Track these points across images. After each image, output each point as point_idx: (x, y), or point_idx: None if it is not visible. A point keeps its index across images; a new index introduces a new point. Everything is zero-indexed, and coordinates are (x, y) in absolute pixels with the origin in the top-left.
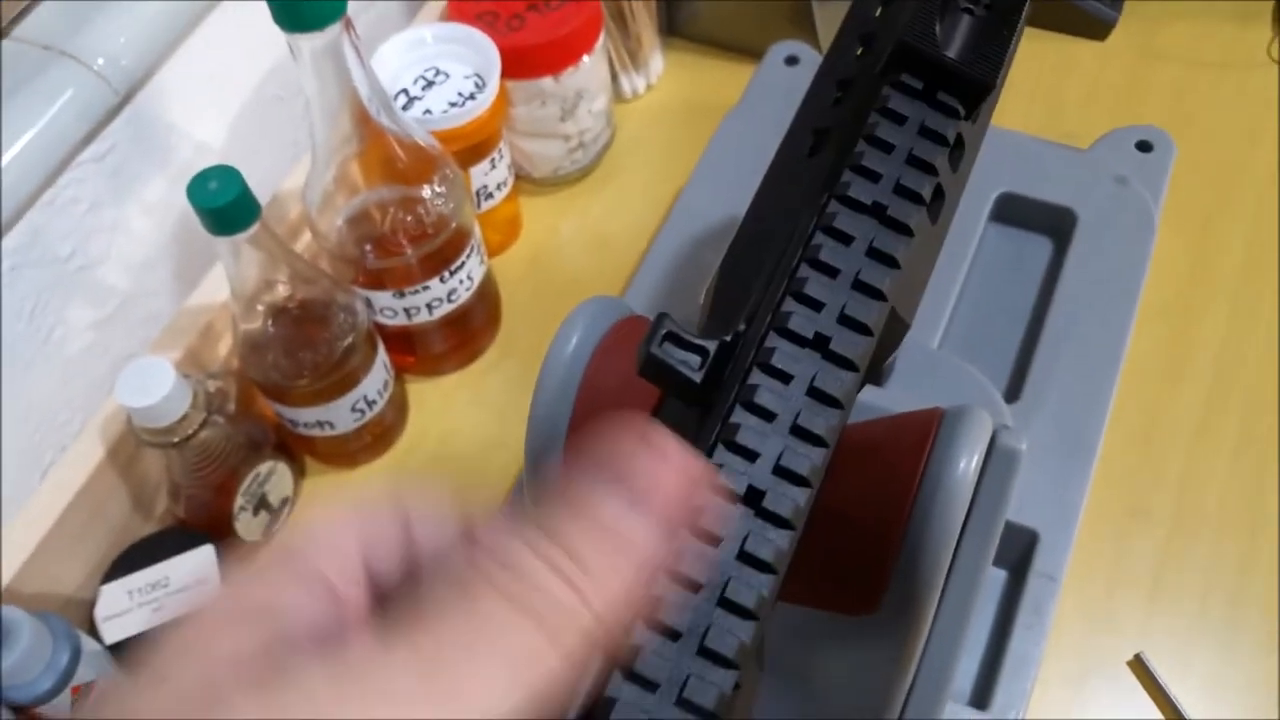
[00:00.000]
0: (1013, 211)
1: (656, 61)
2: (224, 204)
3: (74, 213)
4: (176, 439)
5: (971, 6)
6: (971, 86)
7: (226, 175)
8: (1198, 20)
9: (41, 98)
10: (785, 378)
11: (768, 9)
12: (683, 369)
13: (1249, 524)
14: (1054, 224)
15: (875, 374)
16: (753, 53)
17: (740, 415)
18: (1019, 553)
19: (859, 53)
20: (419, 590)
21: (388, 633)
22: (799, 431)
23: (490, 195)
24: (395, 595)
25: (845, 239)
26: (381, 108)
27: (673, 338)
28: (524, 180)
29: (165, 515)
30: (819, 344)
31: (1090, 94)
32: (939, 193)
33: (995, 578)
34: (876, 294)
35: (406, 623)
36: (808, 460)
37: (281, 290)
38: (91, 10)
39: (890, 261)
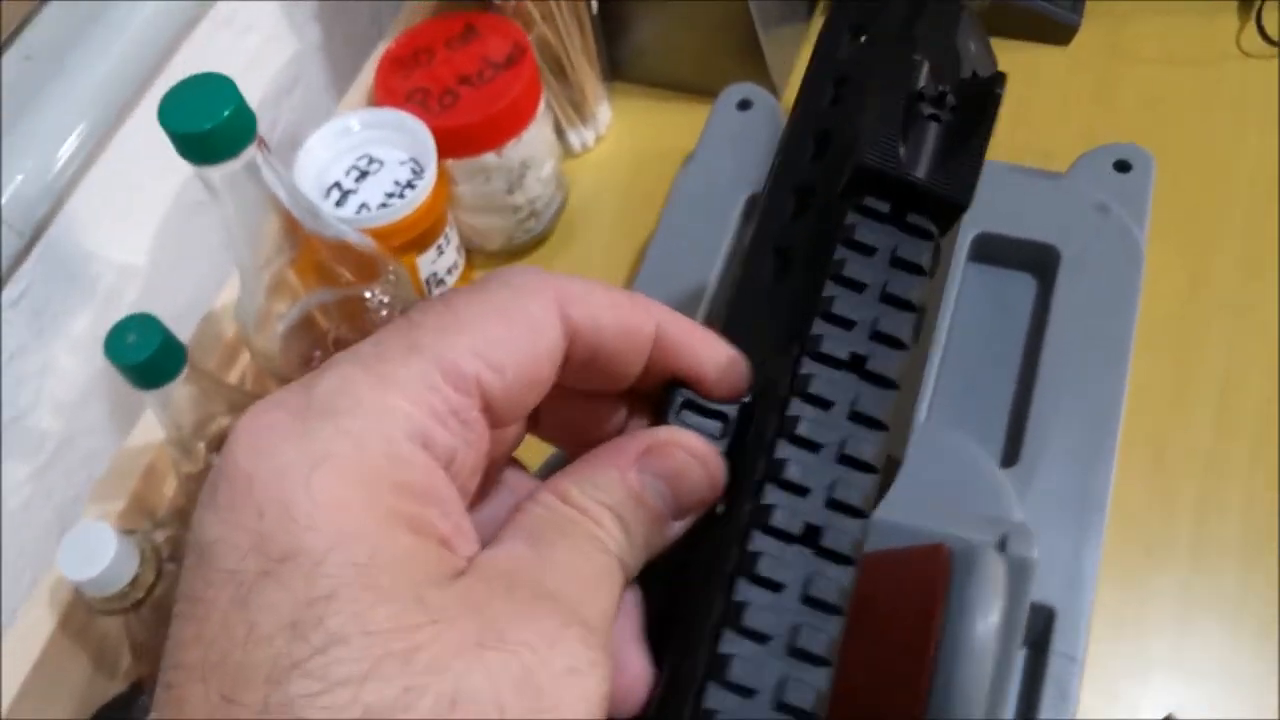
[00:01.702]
0: (992, 251)
1: (604, 111)
2: (146, 358)
3: None
4: (130, 603)
5: (937, 113)
6: (945, 206)
7: (144, 326)
8: (1163, 16)
9: None
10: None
11: (714, 47)
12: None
13: (1273, 550)
14: (1036, 260)
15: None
16: (701, 91)
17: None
18: (1036, 632)
19: (813, 154)
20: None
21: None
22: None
23: (441, 281)
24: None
25: (824, 404)
26: (309, 216)
27: (691, 405)
28: (477, 253)
29: (132, 670)
30: (808, 537)
31: (1061, 103)
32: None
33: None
34: (865, 466)
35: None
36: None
37: (222, 422)
38: None
39: (876, 424)
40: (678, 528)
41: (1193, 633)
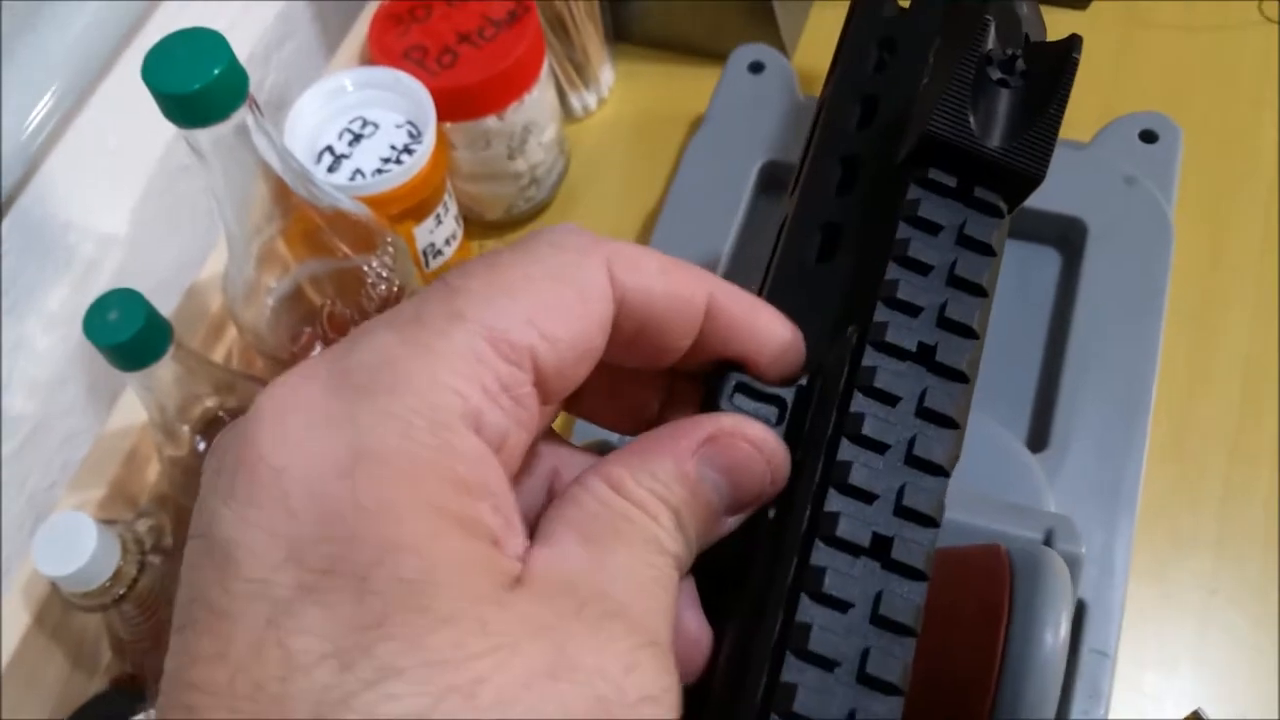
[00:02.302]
0: (1015, 223)
1: (606, 73)
2: (128, 338)
3: None
4: (111, 599)
5: (1006, 78)
6: (1017, 180)
7: (127, 302)
8: None
9: None
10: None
11: (723, 6)
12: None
13: None
14: (1062, 235)
15: None
16: (708, 54)
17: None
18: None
19: (858, 120)
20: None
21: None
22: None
23: (439, 252)
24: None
25: (890, 399)
26: (301, 182)
27: (744, 389)
28: (475, 223)
29: (112, 666)
30: (876, 548)
31: (1081, 71)
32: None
33: None
34: (936, 469)
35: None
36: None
37: (208, 403)
38: None
39: (948, 422)
40: (730, 524)
41: (1218, 625)
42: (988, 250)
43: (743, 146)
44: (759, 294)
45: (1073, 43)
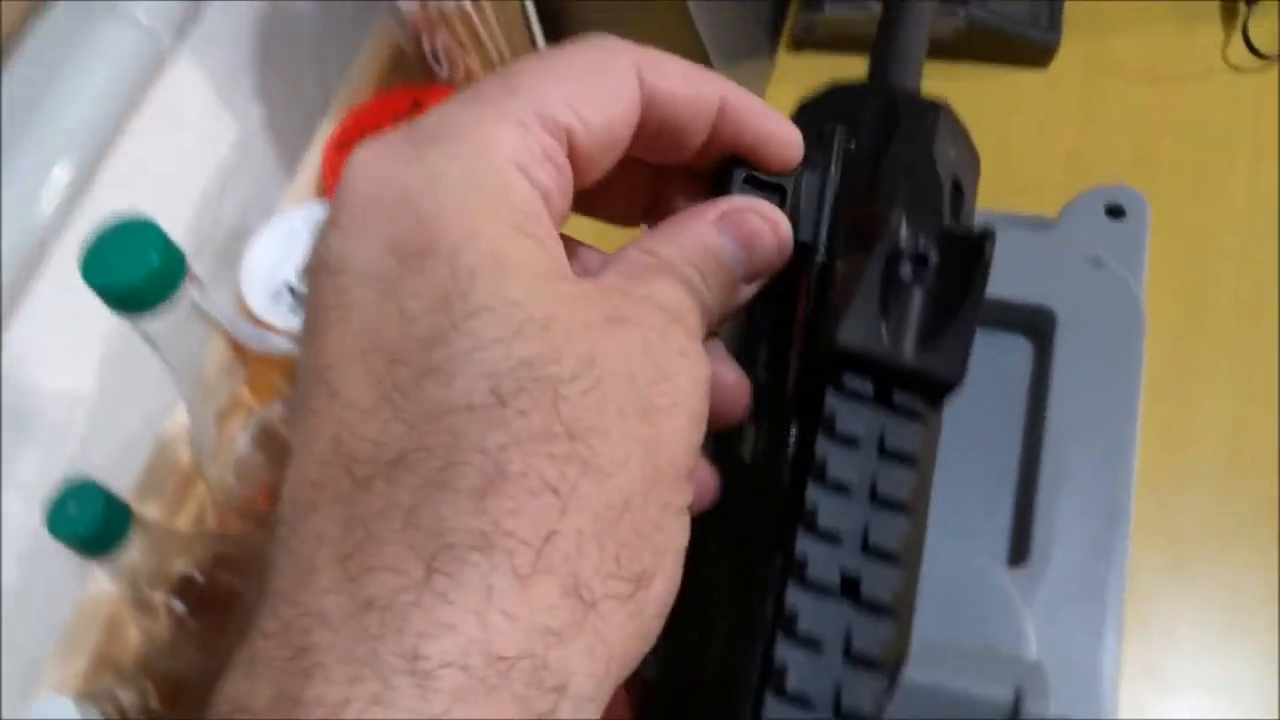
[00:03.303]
0: (985, 314)
1: None
2: (89, 531)
3: None
4: None
5: (919, 274)
6: (937, 384)
7: (83, 495)
8: (1144, 30)
9: None
10: None
11: (639, 10)
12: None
13: None
14: (1031, 323)
15: None
16: None
17: None
18: None
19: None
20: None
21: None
22: None
23: None
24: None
25: (813, 644)
26: (256, 338)
27: (750, 180)
28: None
29: None
30: None
31: (1042, 130)
32: (924, 470)
33: None
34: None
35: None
36: None
37: (179, 568)
38: None
39: (872, 665)
40: (747, 291)
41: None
42: (910, 460)
43: None
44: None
45: (984, 237)
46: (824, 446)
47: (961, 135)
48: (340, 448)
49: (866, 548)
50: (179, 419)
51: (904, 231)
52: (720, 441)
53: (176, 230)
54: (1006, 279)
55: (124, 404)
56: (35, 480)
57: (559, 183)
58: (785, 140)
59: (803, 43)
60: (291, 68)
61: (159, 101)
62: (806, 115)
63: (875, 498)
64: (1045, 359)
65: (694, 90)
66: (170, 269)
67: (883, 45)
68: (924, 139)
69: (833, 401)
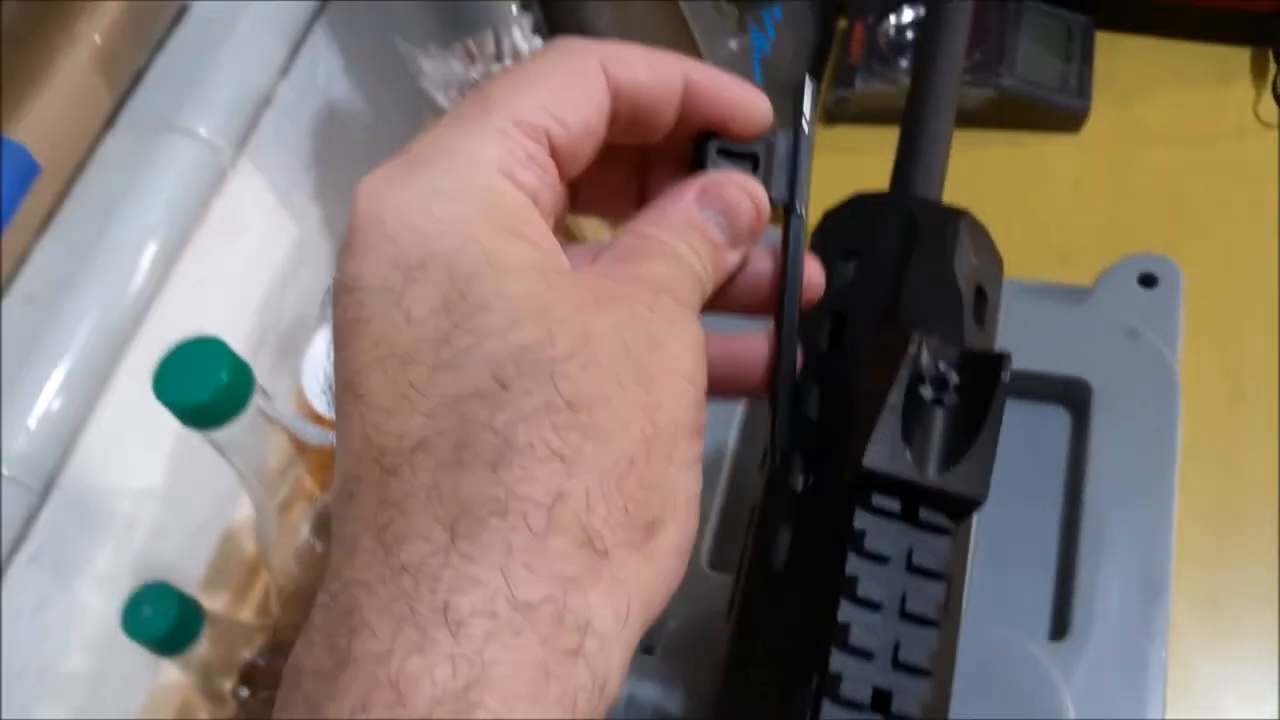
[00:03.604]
0: (1020, 386)
1: None
2: (164, 632)
3: (19, 624)
4: None
5: (940, 397)
6: (961, 502)
7: (159, 596)
8: (1173, 91)
9: None
10: None
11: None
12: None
13: None
14: (1068, 395)
15: None
16: None
17: None
18: None
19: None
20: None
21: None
22: None
23: None
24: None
25: None
26: (318, 435)
27: (723, 151)
28: None
29: None
30: None
31: (1075, 195)
32: (951, 580)
33: None
34: None
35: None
36: None
37: (245, 657)
38: None
39: None
40: (734, 257)
41: None
42: (937, 576)
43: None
44: (735, 589)
45: (1000, 361)
46: (855, 564)
47: (983, 241)
48: (369, 444)
49: (897, 663)
50: (244, 510)
51: (925, 355)
52: (754, 549)
53: (240, 330)
54: (1043, 350)
55: (192, 498)
56: (109, 572)
57: (546, 180)
58: (751, 108)
59: (836, 117)
60: (346, 164)
61: (222, 209)
62: (830, 224)
63: (905, 614)
64: (1083, 431)
65: (657, 75)
66: (238, 385)
67: (904, 157)
68: (944, 253)
69: (862, 521)
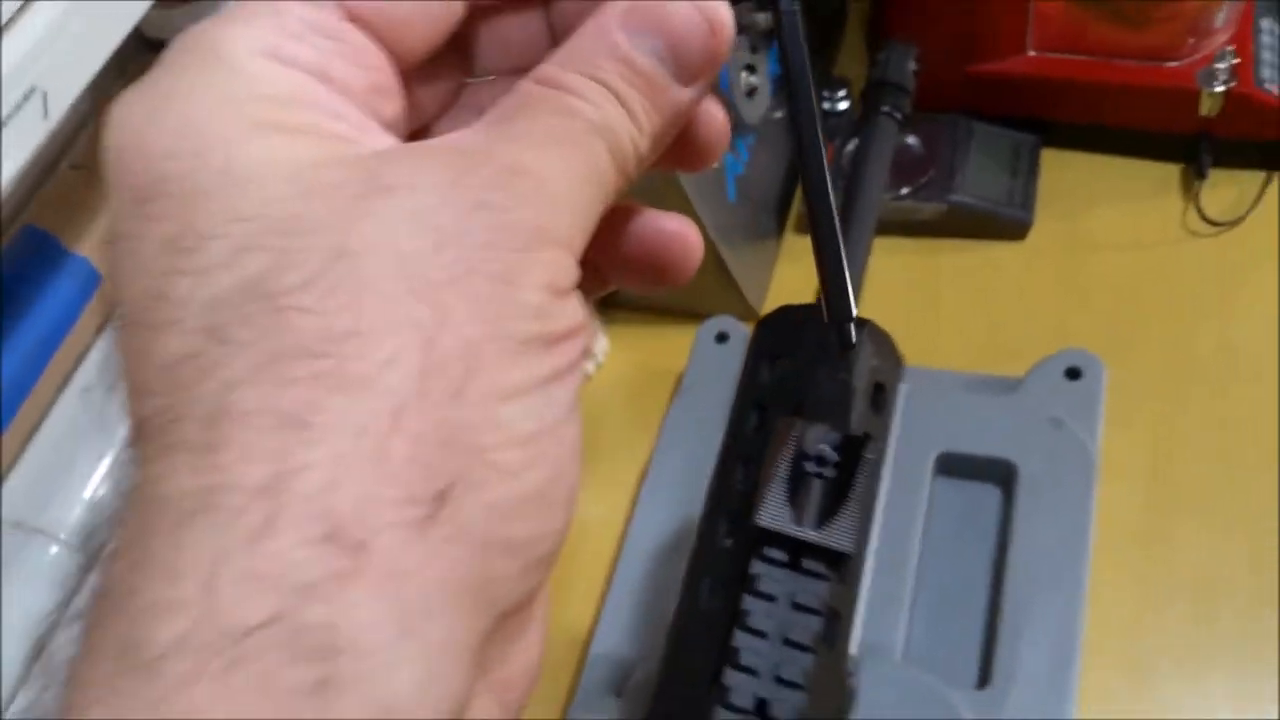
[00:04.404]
0: (955, 466)
1: (600, 342)
2: None
3: None
4: None
5: (820, 471)
6: (834, 554)
7: None
8: (1110, 203)
9: (19, 578)
10: None
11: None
12: None
13: None
14: (998, 474)
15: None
16: (687, 313)
17: None
18: None
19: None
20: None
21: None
22: None
23: None
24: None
25: None
26: None
27: None
28: None
29: None
30: None
31: (1020, 298)
32: (833, 616)
33: None
34: None
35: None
36: None
37: None
38: (52, 484)
39: None
40: (688, 94)
41: None
42: (816, 612)
43: (717, 414)
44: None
45: (863, 442)
46: (748, 602)
47: (884, 345)
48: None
49: (778, 680)
50: None
51: (808, 438)
52: (684, 594)
53: None
54: (978, 434)
55: None
56: None
57: (343, 51)
58: None
59: (805, 229)
60: None
61: None
62: (761, 332)
63: (786, 641)
64: (1010, 508)
65: None
66: None
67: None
68: (846, 357)
69: (756, 567)
